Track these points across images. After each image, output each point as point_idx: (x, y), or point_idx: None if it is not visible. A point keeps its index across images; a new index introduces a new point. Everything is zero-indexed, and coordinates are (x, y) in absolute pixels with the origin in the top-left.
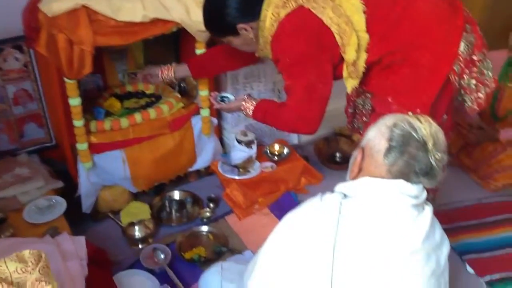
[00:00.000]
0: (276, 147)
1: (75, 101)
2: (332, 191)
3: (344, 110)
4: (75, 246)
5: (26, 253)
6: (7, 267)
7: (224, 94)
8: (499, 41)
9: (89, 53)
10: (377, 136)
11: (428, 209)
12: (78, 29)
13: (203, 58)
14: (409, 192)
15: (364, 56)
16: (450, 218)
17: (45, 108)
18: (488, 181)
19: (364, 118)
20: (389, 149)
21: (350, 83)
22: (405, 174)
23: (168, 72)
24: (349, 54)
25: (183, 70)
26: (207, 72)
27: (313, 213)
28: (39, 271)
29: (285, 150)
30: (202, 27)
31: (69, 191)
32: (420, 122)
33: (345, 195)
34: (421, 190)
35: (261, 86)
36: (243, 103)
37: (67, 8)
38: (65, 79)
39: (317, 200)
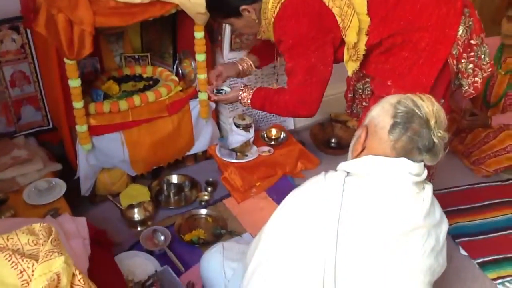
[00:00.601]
0: (273, 131)
1: (75, 82)
2: (335, 170)
3: (344, 95)
4: (76, 227)
5: (37, 226)
6: (18, 239)
7: (220, 87)
8: (490, 28)
9: (89, 34)
10: (381, 114)
11: (429, 188)
12: (78, 9)
13: (261, 47)
14: (411, 170)
15: (364, 38)
16: (443, 202)
17: (43, 91)
18: (479, 167)
19: (364, 103)
20: (394, 125)
21: (351, 66)
22: (409, 150)
23: (248, 66)
24: (350, 37)
25: (254, 60)
26: (267, 60)
27: (317, 191)
28: (51, 242)
29: (282, 135)
30: (201, 9)
31: (67, 174)
32: (423, 100)
33: (348, 173)
34: (423, 169)
35: (259, 72)
36: (240, 93)
37: None
38: (65, 60)
39: (321, 178)
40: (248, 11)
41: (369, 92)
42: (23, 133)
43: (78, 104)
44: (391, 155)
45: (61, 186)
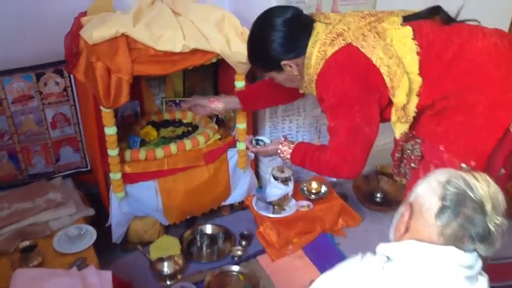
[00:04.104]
0: (314, 184)
1: (110, 130)
2: (373, 251)
3: (391, 154)
4: (100, 281)
5: None
6: None
7: (259, 138)
8: None
9: (126, 82)
10: (427, 193)
11: (483, 281)
12: (116, 57)
13: (252, 91)
14: (462, 262)
15: (415, 100)
16: (501, 274)
17: (82, 133)
18: None
19: (412, 164)
20: (442, 209)
21: (399, 128)
22: (459, 238)
23: (218, 103)
24: (399, 98)
25: (233, 102)
26: (257, 105)
27: (352, 277)
28: None
29: (323, 188)
30: (242, 58)
31: (101, 217)
32: (477, 180)
33: (388, 258)
34: (476, 259)
35: (301, 120)
36: (280, 146)
37: (107, 35)
38: (102, 108)
39: (357, 261)
40: (290, 66)
41: (418, 153)
42: (61, 174)
43: (113, 152)
44: (438, 242)
45: (91, 234)
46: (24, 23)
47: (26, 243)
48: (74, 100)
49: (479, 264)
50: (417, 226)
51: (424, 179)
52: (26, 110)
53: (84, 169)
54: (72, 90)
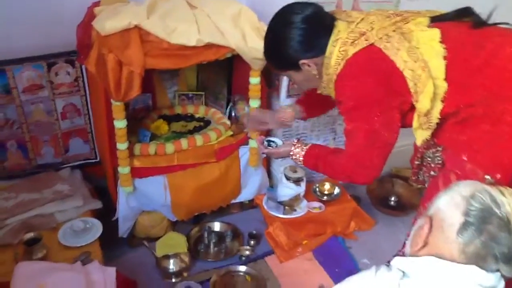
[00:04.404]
0: (326, 186)
1: (120, 124)
2: (384, 256)
3: (410, 160)
4: (104, 278)
5: None
6: None
7: (271, 138)
8: None
9: (138, 75)
10: (449, 207)
11: None
12: (128, 49)
13: (309, 97)
14: (484, 282)
15: (439, 106)
16: None
17: (92, 124)
18: None
19: (432, 172)
20: (465, 225)
21: (421, 135)
22: (482, 257)
23: (286, 115)
24: (423, 103)
25: (297, 111)
26: (317, 111)
27: None
28: None
29: (336, 190)
30: (258, 54)
31: (108, 210)
32: (504, 195)
33: (404, 274)
34: (498, 280)
35: (315, 119)
36: (292, 148)
37: (120, 27)
38: (112, 101)
39: (371, 275)
40: (309, 66)
41: (439, 161)
42: (69, 165)
43: (122, 146)
44: (459, 259)
45: (97, 228)
46: (36, 11)
47: (31, 235)
48: (85, 91)
49: (501, 285)
50: (437, 241)
51: (446, 192)
52: (36, 99)
53: (93, 161)
54: (83, 81)
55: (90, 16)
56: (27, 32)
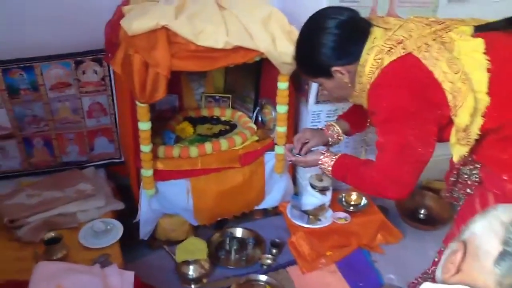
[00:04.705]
0: (353, 196)
1: (144, 126)
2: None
3: (444, 177)
4: (122, 282)
5: None
6: None
7: None
8: None
9: (164, 77)
10: (487, 234)
11: None
12: (155, 50)
13: (353, 113)
14: None
15: (479, 121)
16: None
17: (117, 124)
18: None
19: (468, 190)
20: (503, 255)
21: (458, 151)
22: None
23: (336, 136)
24: (462, 118)
25: (345, 129)
26: (362, 126)
27: None
28: None
29: (363, 201)
30: (287, 59)
31: (131, 210)
32: None
33: None
34: None
35: None
36: (321, 157)
37: (147, 27)
38: (137, 102)
39: None
40: (341, 73)
41: (476, 178)
42: (94, 164)
43: (145, 148)
44: None
45: (117, 230)
46: (65, 9)
47: (51, 234)
48: (111, 90)
49: None
50: (471, 269)
51: (483, 215)
52: (63, 97)
53: (117, 160)
54: (110, 80)
55: (118, 14)
56: (56, 29)
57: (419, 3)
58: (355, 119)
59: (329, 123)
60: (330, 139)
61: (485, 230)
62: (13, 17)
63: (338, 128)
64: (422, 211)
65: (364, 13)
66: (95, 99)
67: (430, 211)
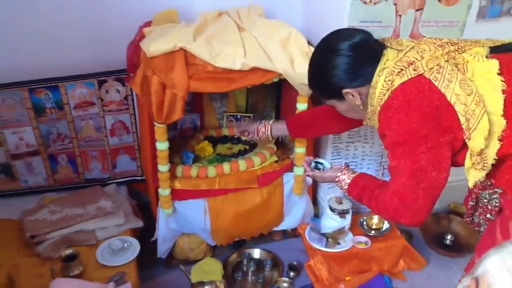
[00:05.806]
0: (375, 219)
1: (162, 146)
2: None
3: (464, 200)
4: None
5: None
6: None
7: (319, 160)
8: None
9: (181, 98)
10: (500, 272)
11: None
12: (172, 72)
13: (304, 118)
14: None
15: (496, 145)
16: None
17: (139, 142)
18: None
19: (488, 215)
20: None
21: (473, 176)
22: None
23: (265, 130)
24: (476, 141)
25: (281, 129)
26: (307, 133)
27: None
28: None
29: (385, 225)
30: (305, 80)
31: (151, 227)
32: None
33: None
34: None
35: (367, 148)
36: (339, 174)
37: (165, 49)
38: (154, 122)
39: None
40: (352, 95)
41: (496, 204)
42: (116, 181)
43: (163, 168)
44: None
45: (135, 248)
46: (90, 30)
47: (69, 251)
48: (134, 109)
49: None
50: None
51: (497, 250)
52: (86, 116)
53: (139, 178)
54: (132, 99)
55: (140, 36)
56: (80, 50)
57: (445, 22)
58: (298, 123)
59: (266, 123)
60: (256, 136)
61: (498, 268)
62: (39, 39)
63: (269, 132)
64: (449, 237)
65: (386, 34)
66: (117, 117)
67: (457, 237)
